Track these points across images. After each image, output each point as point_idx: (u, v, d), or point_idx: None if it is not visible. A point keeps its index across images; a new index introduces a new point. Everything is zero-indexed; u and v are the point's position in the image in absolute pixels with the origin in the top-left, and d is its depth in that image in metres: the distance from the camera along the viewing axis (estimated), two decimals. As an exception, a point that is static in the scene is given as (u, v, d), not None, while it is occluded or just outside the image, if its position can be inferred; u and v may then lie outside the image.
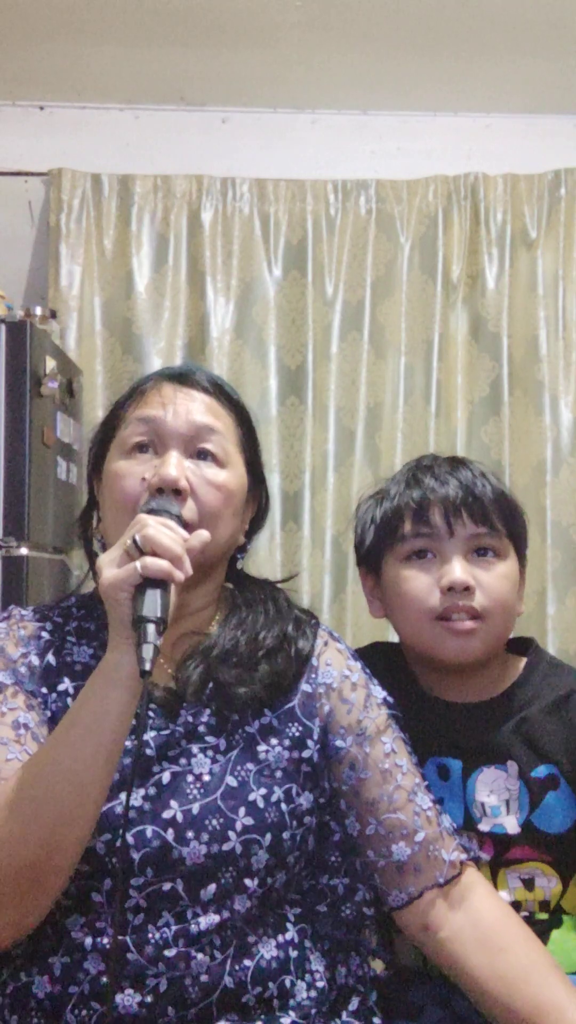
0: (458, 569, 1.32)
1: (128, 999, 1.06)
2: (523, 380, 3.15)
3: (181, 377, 1.23)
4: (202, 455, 1.18)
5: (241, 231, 3.15)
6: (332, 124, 3.30)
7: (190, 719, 1.16)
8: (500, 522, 1.36)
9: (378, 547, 1.40)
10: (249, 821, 1.12)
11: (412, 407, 3.14)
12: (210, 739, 1.16)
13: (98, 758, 1.03)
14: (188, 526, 1.11)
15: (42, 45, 2.94)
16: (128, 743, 1.08)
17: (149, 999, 1.07)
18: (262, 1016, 1.11)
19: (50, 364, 2.47)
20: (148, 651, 0.98)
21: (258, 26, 2.83)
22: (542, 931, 1.32)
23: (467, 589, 1.32)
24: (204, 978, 1.08)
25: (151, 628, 0.99)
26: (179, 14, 2.78)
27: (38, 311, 2.65)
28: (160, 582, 1.02)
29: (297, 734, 1.19)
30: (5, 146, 3.22)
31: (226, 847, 1.10)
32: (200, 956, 1.09)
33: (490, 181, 3.17)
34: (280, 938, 1.15)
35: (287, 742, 1.18)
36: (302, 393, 3.13)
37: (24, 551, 2.33)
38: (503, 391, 3.14)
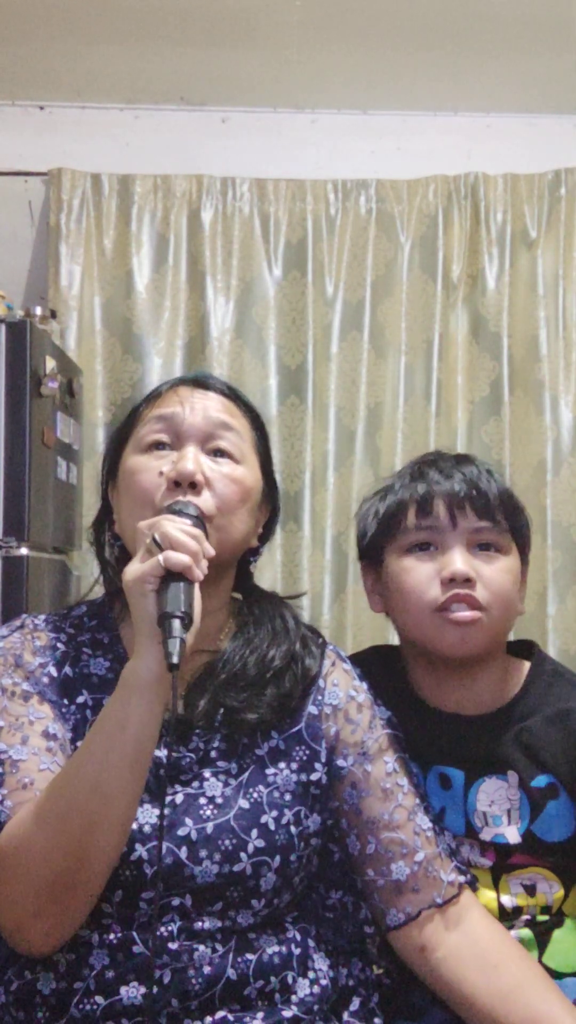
0: (459, 560, 1.31)
1: (132, 991, 1.08)
2: (523, 380, 3.15)
3: (197, 381, 1.26)
4: (219, 453, 1.20)
5: (241, 231, 3.15)
6: (332, 124, 3.30)
7: (201, 745, 1.17)
8: (503, 518, 1.35)
9: (380, 540, 1.39)
10: (261, 843, 1.13)
11: (412, 407, 3.14)
12: (221, 764, 1.17)
13: (122, 766, 1.03)
14: (206, 523, 1.13)
15: (42, 45, 2.94)
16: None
17: (153, 990, 1.07)
18: (263, 1008, 1.12)
19: (50, 364, 2.46)
20: (175, 645, 0.99)
21: (258, 26, 2.83)
22: (543, 931, 1.32)
23: (468, 581, 1.31)
24: (207, 970, 1.09)
25: (176, 623, 1.00)
26: (179, 14, 2.77)
27: (38, 311, 2.65)
28: (183, 577, 1.03)
29: (305, 757, 1.20)
30: (5, 146, 3.22)
31: (236, 868, 1.11)
32: (202, 948, 1.10)
33: (490, 181, 3.17)
34: (282, 936, 1.16)
35: (295, 765, 1.19)
36: (302, 393, 3.13)
37: (24, 551, 2.32)
38: (503, 391, 3.14)
